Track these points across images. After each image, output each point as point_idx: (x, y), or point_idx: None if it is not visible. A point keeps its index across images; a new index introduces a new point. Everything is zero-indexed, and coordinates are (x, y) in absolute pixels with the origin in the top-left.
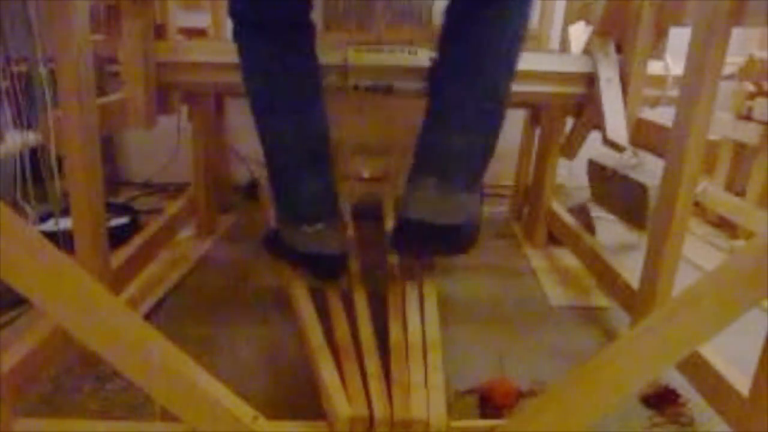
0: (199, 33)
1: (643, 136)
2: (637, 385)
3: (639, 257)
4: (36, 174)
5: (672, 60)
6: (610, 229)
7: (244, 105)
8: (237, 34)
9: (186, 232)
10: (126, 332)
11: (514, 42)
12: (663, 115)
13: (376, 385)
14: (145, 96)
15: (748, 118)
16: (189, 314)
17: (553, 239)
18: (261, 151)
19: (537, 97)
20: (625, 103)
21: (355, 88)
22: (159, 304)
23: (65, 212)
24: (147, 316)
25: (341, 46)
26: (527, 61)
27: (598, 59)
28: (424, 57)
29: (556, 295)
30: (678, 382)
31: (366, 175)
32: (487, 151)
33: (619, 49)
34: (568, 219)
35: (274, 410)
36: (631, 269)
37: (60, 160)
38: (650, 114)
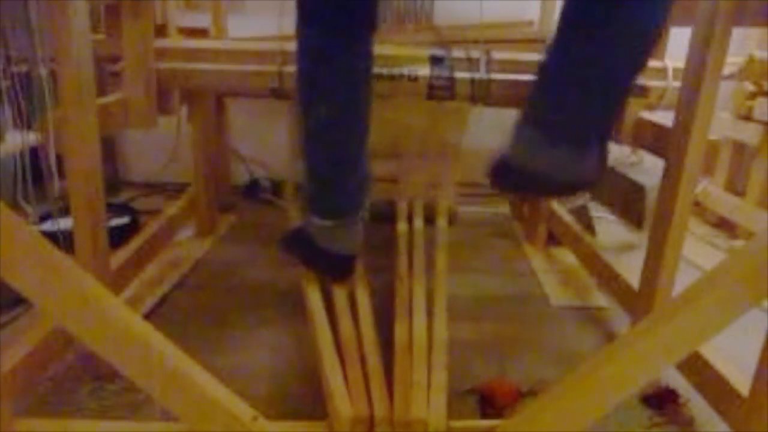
0: (199, 33)
1: (643, 136)
2: (637, 385)
3: (639, 257)
4: (36, 174)
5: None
6: (610, 229)
7: (244, 105)
8: (302, 29)
9: (186, 232)
10: (126, 332)
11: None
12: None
13: (377, 385)
14: (145, 96)
15: (748, 118)
16: (189, 314)
17: (553, 239)
18: (294, 144)
19: None
20: None
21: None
22: (159, 304)
23: (65, 212)
24: (147, 316)
25: None
26: (528, 59)
27: None
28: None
29: (556, 295)
30: (678, 382)
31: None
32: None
33: None
34: (568, 219)
35: (274, 410)
36: (631, 269)
37: (60, 160)
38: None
